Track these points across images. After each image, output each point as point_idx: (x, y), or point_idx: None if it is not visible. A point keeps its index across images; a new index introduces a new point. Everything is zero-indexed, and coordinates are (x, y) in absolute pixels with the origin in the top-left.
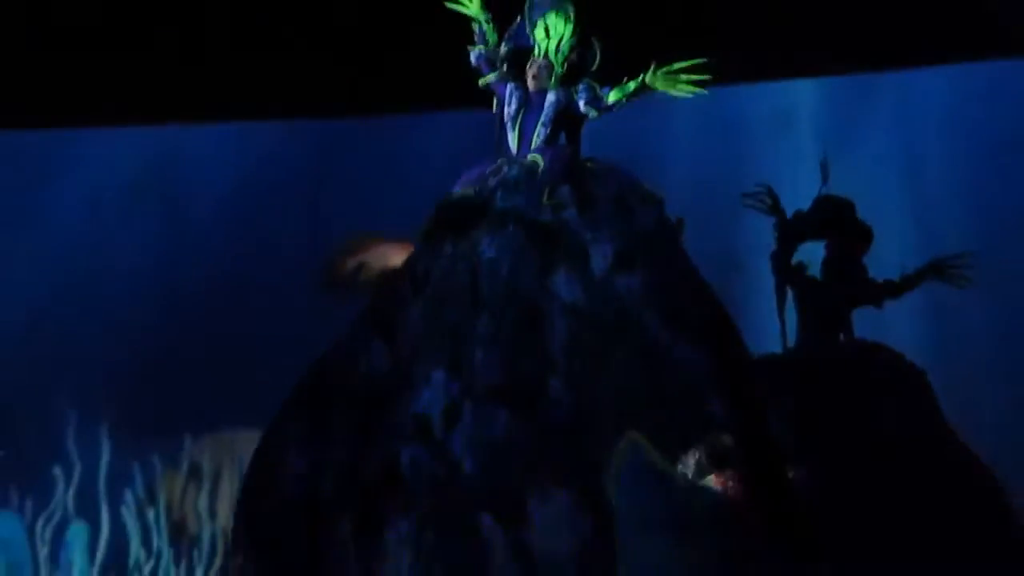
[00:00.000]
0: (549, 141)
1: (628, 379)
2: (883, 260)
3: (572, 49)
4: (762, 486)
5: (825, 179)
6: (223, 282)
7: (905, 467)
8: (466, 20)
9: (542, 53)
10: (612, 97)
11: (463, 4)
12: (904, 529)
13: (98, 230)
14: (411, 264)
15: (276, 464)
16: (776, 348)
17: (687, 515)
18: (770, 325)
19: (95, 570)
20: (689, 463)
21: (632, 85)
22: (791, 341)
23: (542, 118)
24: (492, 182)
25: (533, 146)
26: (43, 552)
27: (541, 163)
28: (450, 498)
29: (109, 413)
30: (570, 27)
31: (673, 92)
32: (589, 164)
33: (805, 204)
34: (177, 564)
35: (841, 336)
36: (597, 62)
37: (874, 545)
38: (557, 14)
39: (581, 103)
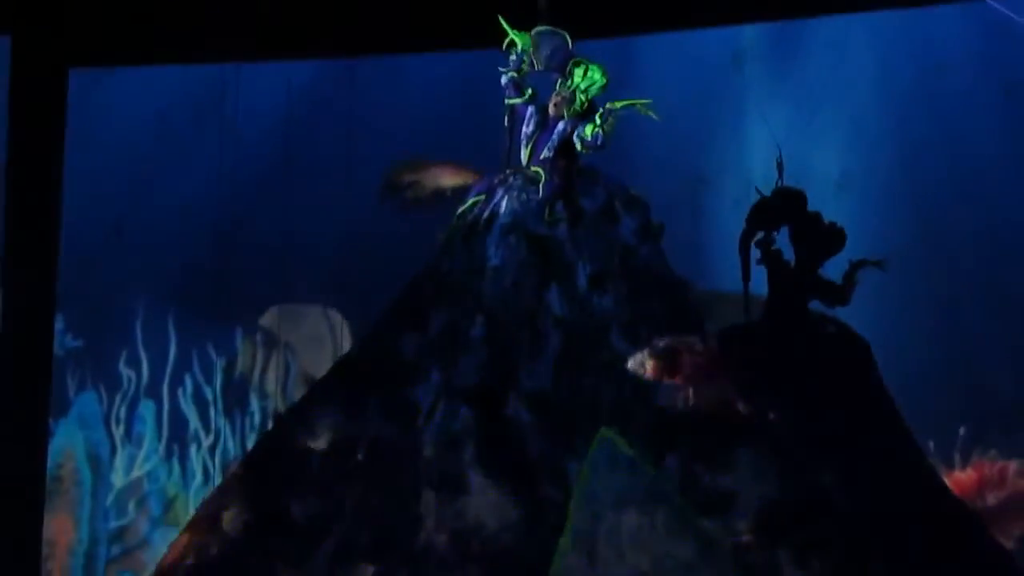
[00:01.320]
0: (551, 158)
1: (599, 385)
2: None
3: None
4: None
5: (780, 174)
6: (278, 186)
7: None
8: None
9: (571, 87)
10: (589, 133)
11: (516, 33)
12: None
13: (166, 150)
14: (435, 265)
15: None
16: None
17: (654, 491)
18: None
19: (162, 444)
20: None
21: (602, 118)
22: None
23: (550, 141)
24: (499, 192)
25: (536, 161)
26: (119, 430)
27: (543, 177)
28: (404, 475)
29: (173, 307)
30: (604, 81)
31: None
32: (584, 175)
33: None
34: (233, 436)
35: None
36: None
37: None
38: (599, 67)
39: (578, 142)
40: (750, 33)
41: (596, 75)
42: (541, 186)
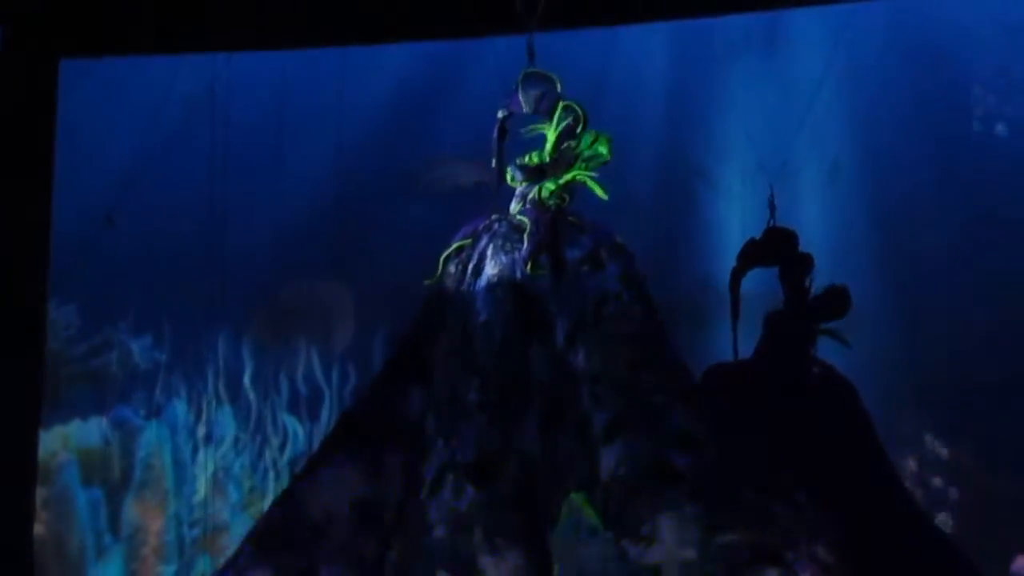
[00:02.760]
0: (535, 204)
1: (570, 451)
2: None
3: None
4: None
5: (772, 213)
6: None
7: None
8: None
9: (574, 150)
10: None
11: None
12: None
13: (158, 140)
14: (425, 318)
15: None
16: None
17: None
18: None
19: (240, 444)
20: None
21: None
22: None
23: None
24: (484, 239)
25: (521, 209)
26: (200, 431)
27: (528, 225)
28: (417, 553)
29: (250, 323)
30: (608, 159)
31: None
32: (570, 221)
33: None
34: (298, 433)
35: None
36: (583, 124)
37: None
38: (607, 140)
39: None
40: (744, 22)
41: (603, 149)
42: (526, 236)
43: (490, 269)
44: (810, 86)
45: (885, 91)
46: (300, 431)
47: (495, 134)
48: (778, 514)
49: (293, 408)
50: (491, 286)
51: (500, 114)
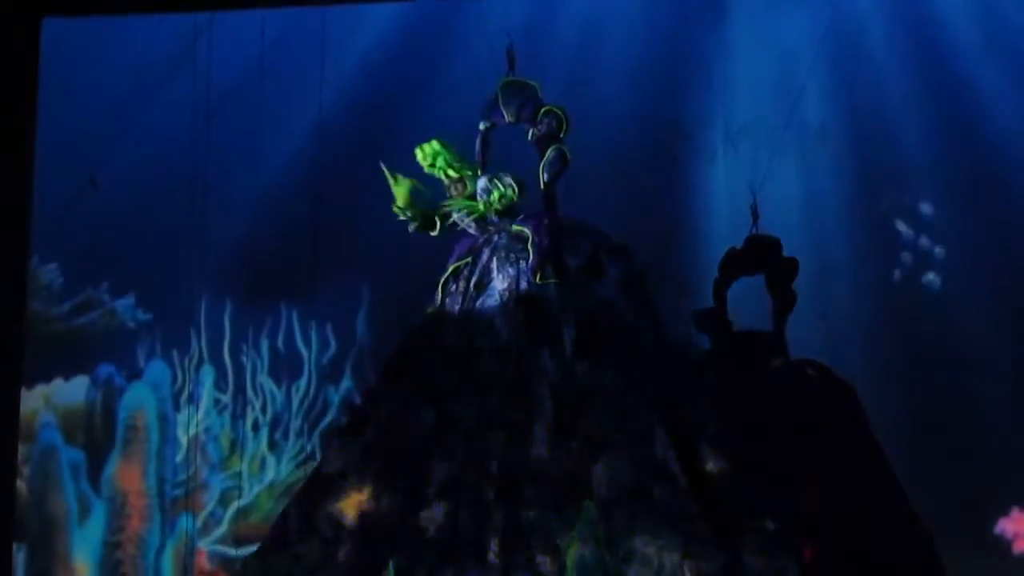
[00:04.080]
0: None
1: (585, 457)
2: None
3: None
4: None
5: (755, 221)
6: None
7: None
8: None
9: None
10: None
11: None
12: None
13: (141, 100)
14: (431, 335)
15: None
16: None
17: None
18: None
19: (221, 405)
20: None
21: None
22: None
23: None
24: (485, 253)
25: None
26: (182, 391)
27: (528, 234)
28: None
29: (232, 285)
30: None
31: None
32: (568, 225)
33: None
34: (277, 394)
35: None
36: (565, 128)
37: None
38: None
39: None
40: None
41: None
42: (529, 246)
43: (499, 284)
44: (797, 48)
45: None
46: (278, 394)
47: (477, 146)
48: (748, 541)
49: (273, 370)
50: (503, 297)
51: (482, 126)
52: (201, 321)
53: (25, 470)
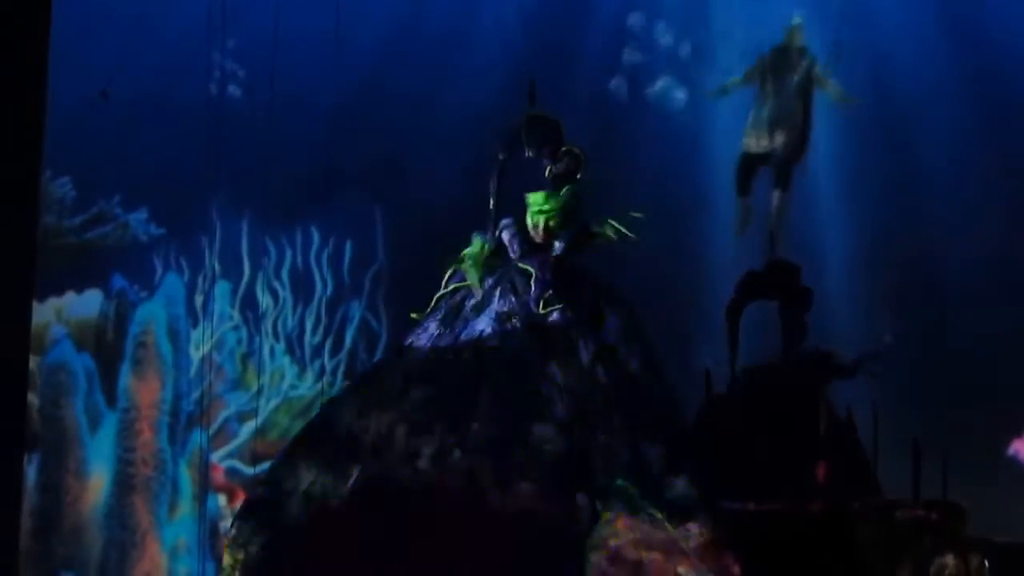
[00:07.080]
0: (539, 255)
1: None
2: None
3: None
4: None
5: (772, 251)
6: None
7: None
8: None
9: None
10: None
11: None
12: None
13: (154, 11)
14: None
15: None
16: None
17: None
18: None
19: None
20: None
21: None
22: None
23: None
24: (489, 282)
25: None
26: (196, 304)
27: (533, 272)
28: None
29: (248, 199)
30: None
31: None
32: (569, 266)
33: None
34: (293, 311)
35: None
36: (582, 169)
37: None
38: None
39: (557, 245)
40: None
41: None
42: (532, 282)
43: (498, 307)
44: None
45: None
46: (290, 307)
47: (494, 176)
48: None
49: (288, 283)
50: (503, 319)
51: (500, 156)
52: (216, 234)
53: (38, 381)
